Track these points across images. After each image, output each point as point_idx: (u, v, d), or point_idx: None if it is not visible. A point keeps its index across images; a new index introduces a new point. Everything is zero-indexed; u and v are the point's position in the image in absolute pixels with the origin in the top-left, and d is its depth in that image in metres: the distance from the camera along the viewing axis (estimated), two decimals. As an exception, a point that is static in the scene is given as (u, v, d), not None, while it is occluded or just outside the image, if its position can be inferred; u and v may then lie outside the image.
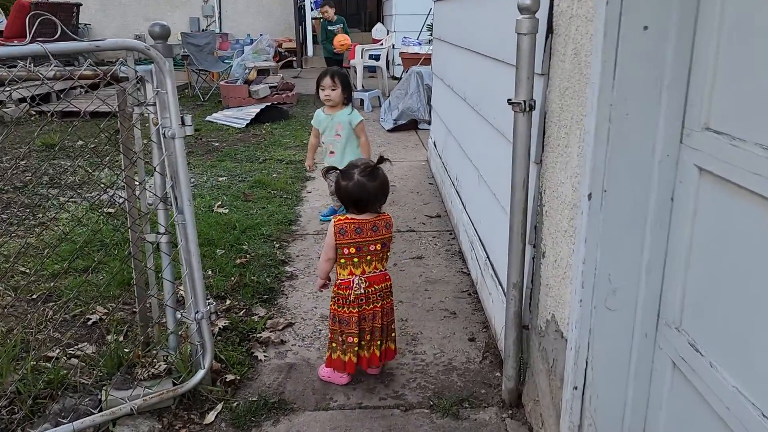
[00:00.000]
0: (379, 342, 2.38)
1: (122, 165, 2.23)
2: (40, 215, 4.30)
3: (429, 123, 6.69)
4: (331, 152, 3.95)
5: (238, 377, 2.42)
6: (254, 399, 2.30)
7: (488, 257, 2.89)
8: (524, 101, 1.92)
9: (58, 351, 2.55)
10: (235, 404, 2.27)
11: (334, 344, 2.38)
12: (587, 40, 1.58)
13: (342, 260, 2.32)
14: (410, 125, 7.35)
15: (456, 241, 3.82)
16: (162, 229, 2.20)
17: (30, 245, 3.68)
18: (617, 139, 1.49)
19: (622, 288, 1.60)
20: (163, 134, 2.03)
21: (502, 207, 2.59)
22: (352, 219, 2.30)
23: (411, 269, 3.46)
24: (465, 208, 3.60)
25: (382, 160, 2.37)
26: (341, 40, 9.10)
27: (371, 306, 2.33)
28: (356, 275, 2.31)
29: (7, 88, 2.24)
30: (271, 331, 2.78)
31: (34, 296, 3.08)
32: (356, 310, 2.30)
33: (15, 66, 1.93)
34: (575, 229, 1.69)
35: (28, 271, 3.35)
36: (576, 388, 1.71)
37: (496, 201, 2.72)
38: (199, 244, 3.61)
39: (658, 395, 1.60)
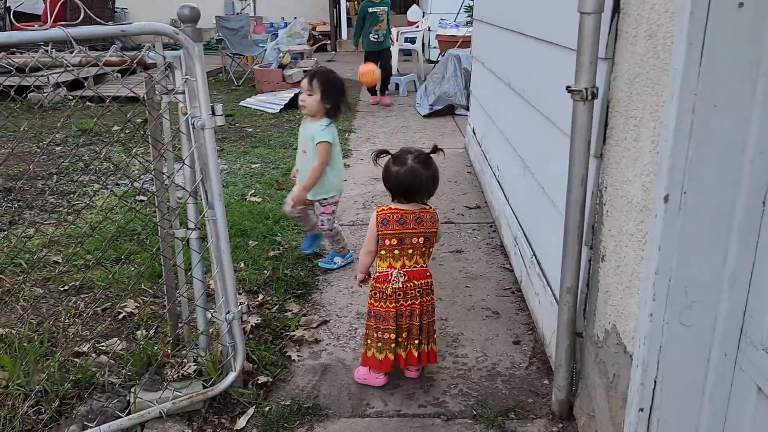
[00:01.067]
0: (417, 341, 2.25)
1: (151, 156, 2.11)
2: (76, 203, 4.25)
3: (467, 108, 6.47)
4: (294, 172, 3.30)
5: (271, 379, 2.30)
6: (287, 403, 2.19)
7: (534, 255, 2.71)
8: (586, 89, 1.73)
9: (87, 347, 2.48)
10: (267, 408, 2.16)
11: (369, 341, 2.26)
12: (666, 19, 1.39)
13: (382, 252, 2.21)
14: (447, 111, 7.14)
15: (497, 235, 3.64)
16: (191, 225, 2.08)
17: (63, 234, 3.62)
18: (701, 134, 1.30)
19: (700, 302, 1.42)
20: (192, 125, 1.89)
21: (552, 201, 2.41)
22: (396, 209, 2.20)
23: (450, 264, 3.30)
24: (508, 201, 3.42)
25: (436, 149, 2.31)
26: (366, 72, 5.54)
27: (409, 302, 2.21)
28: (395, 268, 2.20)
29: (44, 73, 2.13)
30: (305, 329, 2.66)
31: (66, 287, 3.02)
32: (393, 305, 2.19)
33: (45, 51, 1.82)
34: (645, 234, 1.50)
35: (59, 260, 3.29)
36: (642, 410, 1.53)
37: (544, 195, 2.54)
38: (231, 235, 3.54)
39: (738, 422, 1.42)
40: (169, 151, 2.04)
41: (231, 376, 2.13)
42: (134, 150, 5.41)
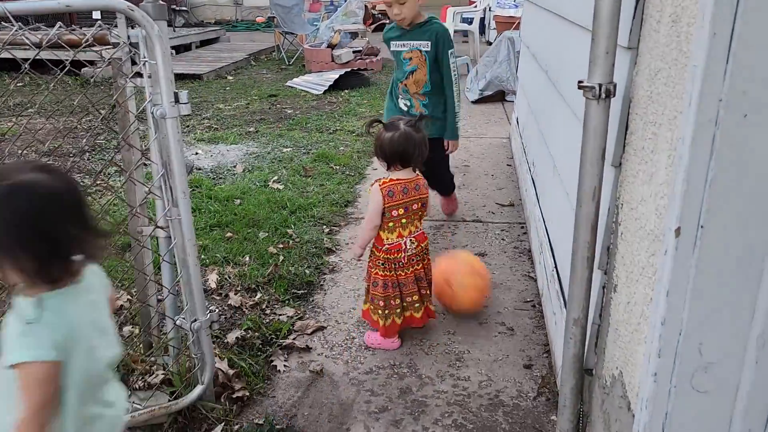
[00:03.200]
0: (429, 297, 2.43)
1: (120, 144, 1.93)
2: (97, 183, 4.19)
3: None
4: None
5: (248, 393, 2.11)
6: (260, 422, 1.99)
7: (556, 267, 2.40)
8: (600, 85, 1.42)
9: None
10: (237, 427, 1.97)
11: (387, 310, 2.31)
12: (691, 0, 1.07)
13: (390, 224, 2.28)
14: (497, 96, 6.76)
15: (527, 238, 3.33)
16: (161, 223, 1.89)
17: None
18: (727, 152, 0.99)
19: (718, 364, 1.12)
20: (152, 113, 1.69)
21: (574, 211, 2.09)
22: (397, 179, 2.26)
23: (470, 268, 3.01)
24: (538, 201, 3.09)
25: (423, 117, 2.36)
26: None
27: (421, 265, 2.35)
28: (405, 236, 2.30)
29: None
30: (298, 335, 2.46)
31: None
32: (411, 270, 2.32)
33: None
34: (655, 270, 1.20)
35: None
36: (642, 485, 1.24)
37: (568, 202, 2.22)
38: (242, 225, 3.37)
39: None
40: (126, 141, 1.85)
41: (197, 390, 1.94)
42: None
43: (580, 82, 1.46)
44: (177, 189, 1.76)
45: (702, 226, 1.04)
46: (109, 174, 4.37)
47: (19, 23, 1.58)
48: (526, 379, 2.21)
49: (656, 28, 1.27)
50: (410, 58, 3.11)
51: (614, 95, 1.43)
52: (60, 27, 1.67)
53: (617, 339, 1.49)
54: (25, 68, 1.65)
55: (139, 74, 1.78)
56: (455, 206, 3.63)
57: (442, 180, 3.44)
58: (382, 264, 2.30)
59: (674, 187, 1.08)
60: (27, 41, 1.77)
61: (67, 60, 1.68)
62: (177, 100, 1.70)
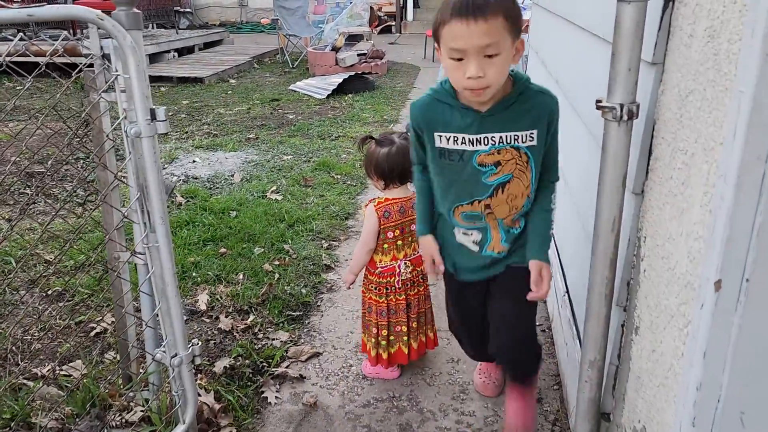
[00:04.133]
0: (423, 329, 2.24)
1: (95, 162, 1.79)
2: (91, 193, 4.05)
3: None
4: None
5: (235, 430, 1.96)
6: (246, 463, 1.84)
7: (567, 292, 2.24)
8: (621, 105, 1.26)
9: (47, 369, 2.22)
10: (221, 469, 1.82)
11: (378, 339, 2.17)
12: (734, 13, 0.91)
13: (385, 245, 2.12)
14: (504, 101, 6.59)
15: (536, 254, 3.16)
16: (139, 248, 1.75)
17: (64, 229, 3.41)
18: (780, 196, 0.83)
19: (763, 438, 0.96)
20: (125, 132, 1.55)
21: (586, 234, 1.93)
22: (394, 199, 2.09)
23: (475, 288, 2.85)
24: (548, 217, 2.92)
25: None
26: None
27: (415, 291, 2.18)
28: (399, 259, 2.13)
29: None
30: (291, 363, 2.30)
31: (50, 292, 2.78)
32: (403, 296, 2.15)
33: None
34: (689, 323, 1.04)
35: (52, 259, 3.07)
36: None
37: (579, 224, 2.07)
38: (237, 240, 3.22)
39: None
40: (99, 162, 1.70)
41: (178, 430, 1.79)
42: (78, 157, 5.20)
43: (598, 101, 1.30)
44: (155, 214, 1.61)
45: (747, 280, 0.88)
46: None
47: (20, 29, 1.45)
48: (536, 414, 2.05)
49: (687, 43, 1.11)
50: (497, 163, 1.58)
51: (637, 117, 1.28)
52: (28, 37, 1.53)
53: (640, 388, 1.33)
54: (34, 74, 1.51)
55: (97, 90, 1.64)
56: (533, 416, 1.89)
57: (521, 342, 1.83)
58: (374, 288, 2.16)
59: (713, 231, 0.92)
60: (-7, 53, 1.63)
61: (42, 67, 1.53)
62: (154, 117, 1.55)
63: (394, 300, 2.14)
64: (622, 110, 1.26)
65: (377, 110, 6.42)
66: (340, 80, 7.21)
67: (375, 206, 2.09)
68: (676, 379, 1.10)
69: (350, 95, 7.14)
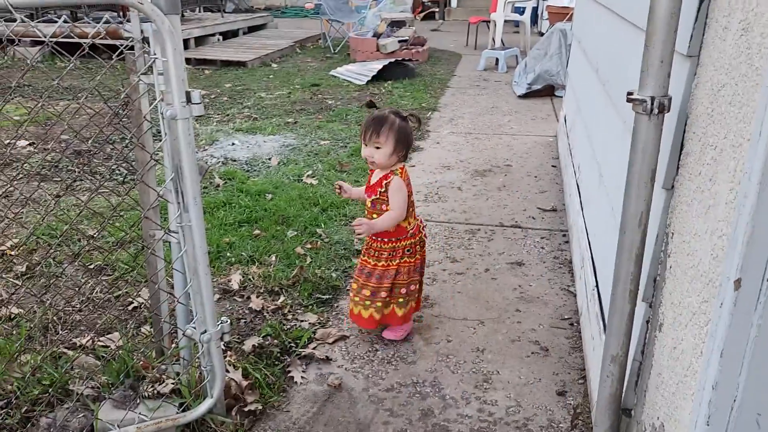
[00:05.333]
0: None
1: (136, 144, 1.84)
2: (134, 172, 4.17)
3: (566, 91, 5.82)
4: None
5: (261, 406, 2.01)
6: (271, 439, 1.89)
7: (597, 287, 2.22)
8: (652, 98, 1.24)
9: (86, 339, 2.31)
10: (246, 444, 1.88)
11: (411, 299, 2.34)
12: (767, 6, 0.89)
13: (410, 209, 2.27)
14: (546, 91, 6.50)
15: (568, 247, 3.13)
16: (173, 227, 1.80)
17: (107, 206, 3.52)
18: (804, 195, 0.82)
19: (780, 440, 0.94)
20: (161, 114, 1.59)
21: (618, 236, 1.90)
22: (403, 167, 2.26)
23: (505, 279, 2.85)
24: (582, 210, 2.89)
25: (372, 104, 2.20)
26: None
27: (419, 255, 2.35)
28: (417, 219, 2.33)
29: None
30: (318, 344, 2.35)
31: (91, 266, 2.89)
32: (418, 256, 2.33)
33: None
34: (709, 321, 1.03)
35: (95, 235, 3.18)
36: None
37: (613, 218, 2.04)
38: (272, 222, 3.28)
39: None
40: (137, 142, 1.76)
41: (206, 404, 1.85)
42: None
43: (629, 93, 1.29)
44: (188, 194, 1.66)
45: (767, 280, 0.87)
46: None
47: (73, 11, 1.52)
48: (559, 407, 2.05)
49: (722, 36, 1.09)
50: None
51: (668, 110, 1.26)
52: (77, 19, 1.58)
53: (660, 385, 1.32)
54: (76, 56, 1.57)
55: (137, 72, 1.69)
56: None
57: None
58: (409, 251, 2.28)
59: (736, 229, 0.91)
60: (39, 33, 1.70)
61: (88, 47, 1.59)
62: (189, 100, 1.60)
63: (416, 260, 2.31)
64: (653, 103, 1.24)
65: (416, 97, 6.41)
66: (380, 66, 7.20)
67: (402, 174, 2.20)
68: (695, 377, 1.09)
69: (390, 82, 7.13)
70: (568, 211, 3.38)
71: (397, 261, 2.27)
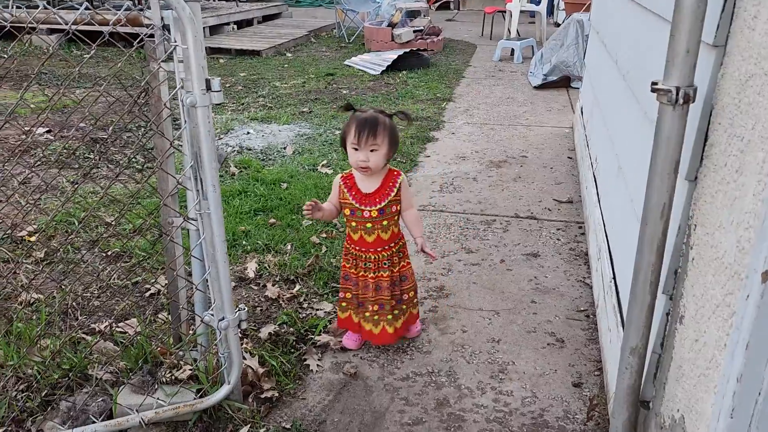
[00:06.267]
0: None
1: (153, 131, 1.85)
2: (149, 160, 4.19)
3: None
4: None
5: (277, 393, 2.02)
6: (287, 426, 1.90)
7: (614, 278, 2.21)
8: (677, 88, 1.23)
9: (105, 325, 2.34)
10: (262, 430, 1.89)
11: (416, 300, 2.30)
12: (802, -6, 0.88)
13: None
14: (562, 82, 6.45)
15: (584, 239, 3.12)
16: (192, 215, 1.81)
17: (125, 193, 3.55)
18: (836, 187, 0.80)
19: (805, 434, 0.93)
20: (181, 101, 1.60)
21: (638, 220, 1.89)
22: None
23: (520, 270, 2.84)
24: (599, 202, 2.88)
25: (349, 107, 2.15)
26: None
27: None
28: None
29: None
30: (333, 334, 2.36)
31: (109, 253, 2.92)
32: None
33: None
34: (733, 313, 1.02)
35: (112, 222, 3.21)
36: None
37: (632, 209, 2.02)
38: (287, 211, 3.29)
39: None
40: (157, 129, 1.76)
41: (223, 391, 1.87)
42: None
43: (653, 83, 1.27)
44: (207, 181, 1.67)
45: (797, 273, 0.86)
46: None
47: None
48: (575, 398, 2.05)
49: (751, 25, 1.07)
50: None
51: (693, 101, 1.24)
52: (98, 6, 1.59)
53: (680, 378, 1.31)
54: (98, 42, 1.58)
55: (156, 59, 1.69)
56: None
57: None
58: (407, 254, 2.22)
59: (764, 221, 0.89)
60: (61, 20, 1.70)
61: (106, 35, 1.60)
62: (209, 88, 1.60)
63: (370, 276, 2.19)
64: (677, 94, 1.22)
65: (431, 88, 6.38)
66: (395, 56, 7.18)
67: (404, 177, 2.15)
68: (718, 369, 1.08)
69: (404, 72, 7.10)
70: (585, 203, 3.36)
71: (408, 262, 2.21)
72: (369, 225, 2.09)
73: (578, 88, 6.15)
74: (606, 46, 3.34)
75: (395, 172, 2.11)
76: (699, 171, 1.32)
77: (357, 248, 2.14)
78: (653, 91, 1.26)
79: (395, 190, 2.08)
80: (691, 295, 1.29)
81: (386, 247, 2.13)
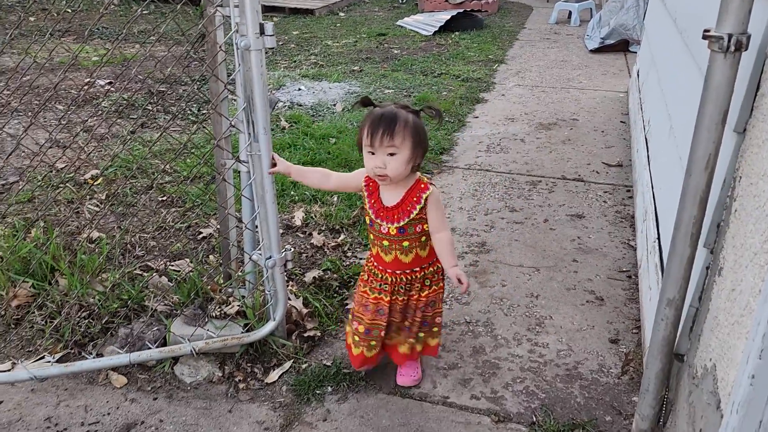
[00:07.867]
0: None
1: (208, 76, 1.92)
2: (204, 112, 4.31)
3: (641, 46, 5.59)
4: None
5: (319, 333, 2.12)
6: (328, 364, 1.99)
7: (658, 239, 2.19)
8: (729, 35, 1.21)
9: (160, 263, 2.47)
10: (305, 366, 1.98)
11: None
12: None
13: None
14: (620, 46, 6.26)
15: (631, 202, 3.08)
16: (243, 156, 1.88)
17: (180, 143, 3.67)
18: None
19: (833, 376, 0.95)
20: (236, 45, 1.65)
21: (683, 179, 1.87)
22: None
23: (563, 230, 2.84)
24: (649, 164, 2.83)
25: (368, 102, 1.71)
26: None
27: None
28: None
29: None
30: (376, 281, 2.43)
31: (164, 197, 3.05)
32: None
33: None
34: (769, 259, 1.03)
35: (169, 170, 3.34)
36: (721, 495, 1.11)
37: (680, 167, 2.00)
38: (336, 165, 3.35)
39: None
40: (212, 73, 1.83)
41: (269, 326, 1.96)
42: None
43: (706, 31, 1.25)
44: (258, 124, 1.73)
45: (835, 214, 0.86)
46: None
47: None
48: (610, 354, 2.07)
49: (810, -32, 1.05)
50: None
51: (746, 48, 1.22)
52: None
53: (715, 327, 1.33)
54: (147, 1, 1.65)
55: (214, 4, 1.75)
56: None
57: None
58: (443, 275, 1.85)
59: (806, 163, 0.89)
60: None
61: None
62: (263, 32, 1.65)
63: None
64: (729, 41, 1.20)
65: (483, 49, 6.29)
66: (448, 17, 7.09)
67: (434, 187, 1.71)
68: (751, 315, 1.09)
69: (457, 33, 7.02)
70: (634, 166, 3.31)
71: (437, 288, 1.83)
72: (386, 243, 1.72)
73: (636, 53, 5.96)
74: (665, 4, 3.24)
75: (423, 185, 1.68)
76: (748, 123, 1.31)
77: (374, 264, 1.80)
78: (705, 38, 1.24)
79: (418, 207, 1.66)
80: (731, 246, 1.29)
81: (407, 271, 1.76)
